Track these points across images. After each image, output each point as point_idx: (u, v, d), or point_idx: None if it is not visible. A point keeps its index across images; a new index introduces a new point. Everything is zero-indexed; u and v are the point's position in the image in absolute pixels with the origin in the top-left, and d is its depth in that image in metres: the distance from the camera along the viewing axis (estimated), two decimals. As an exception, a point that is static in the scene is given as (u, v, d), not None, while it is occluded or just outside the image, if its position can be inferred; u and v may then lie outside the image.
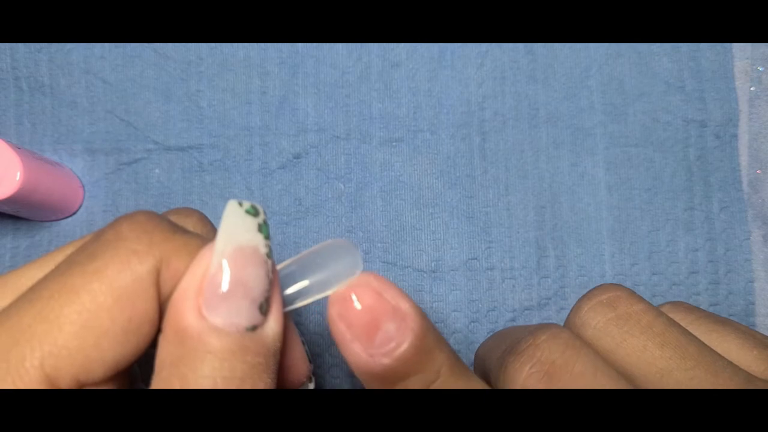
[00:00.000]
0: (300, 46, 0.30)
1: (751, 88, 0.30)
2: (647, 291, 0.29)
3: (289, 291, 0.16)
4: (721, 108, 0.30)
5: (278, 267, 0.17)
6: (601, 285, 0.19)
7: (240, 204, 0.15)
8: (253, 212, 0.15)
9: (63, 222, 0.30)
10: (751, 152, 0.30)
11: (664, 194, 0.29)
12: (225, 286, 0.14)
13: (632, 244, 0.29)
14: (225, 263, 0.14)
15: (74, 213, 0.30)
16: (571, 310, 0.19)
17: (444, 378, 0.16)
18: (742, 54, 0.30)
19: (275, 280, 0.15)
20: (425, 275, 0.29)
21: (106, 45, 0.30)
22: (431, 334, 0.16)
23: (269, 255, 0.15)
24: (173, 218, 0.17)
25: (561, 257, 0.29)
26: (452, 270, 0.29)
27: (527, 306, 0.29)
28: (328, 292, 0.16)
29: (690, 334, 0.17)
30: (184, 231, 0.16)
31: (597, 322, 0.18)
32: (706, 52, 0.30)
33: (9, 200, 0.25)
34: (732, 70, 0.30)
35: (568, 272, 0.29)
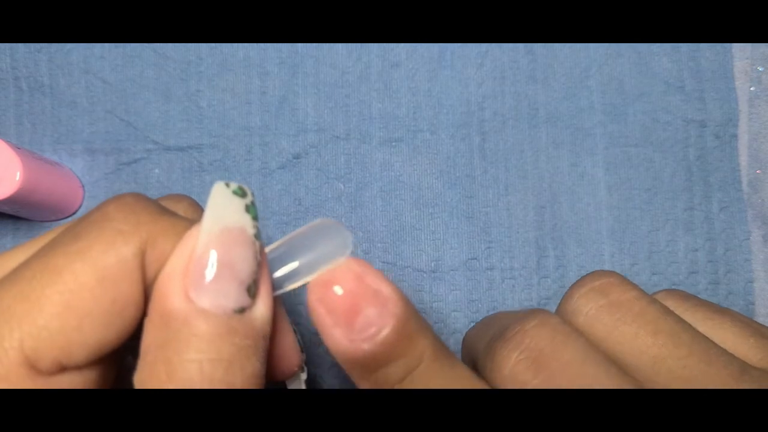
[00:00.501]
0: (300, 46, 0.30)
1: (751, 88, 0.30)
2: (648, 291, 0.29)
3: (278, 274, 0.16)
4: (721, 108, 0.30)
5: (266, 249, 0.16)
6: (594, 272, 0.18)
7: (227, 185, 0.15)
8: (241, 193, 0.15)
9: (63, 222, 0.30)
10: (750, 152, 0.30)
11: (663, 194, 0.29)
12: (212, 268, 0.14)
13: (632, 244, 0.29)
14: (212, 244, 0.14)
15: (74, 213, 0.30)
16: (564, 297, 0.18)
17: (427, 363, 0.15)
18: (742, 54, 0.30)
19: (263, 262, 0.15)
20: (425, 275, 0.29)
21: (106, 45, 0.30)
22: (413, 319, 0.15)
23: (257, 236, 0.15)
24: (163, 204, 0.17)
25: (561, 257, 0.29)
26: (452, 270, 0.29)
27: (527, 306, 0.29)
28: (318, 274, 0.16)
29: (684, 321, 0.17)
30: (171, 213, 0.15)
31: (589, 309, 0.17)
32: (706, 52, 0.30)
33: (9, 200, 0.25)
34: (732, 70, 0.30)
35: (568, 272, 0.29)
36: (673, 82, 0.30)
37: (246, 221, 0.15)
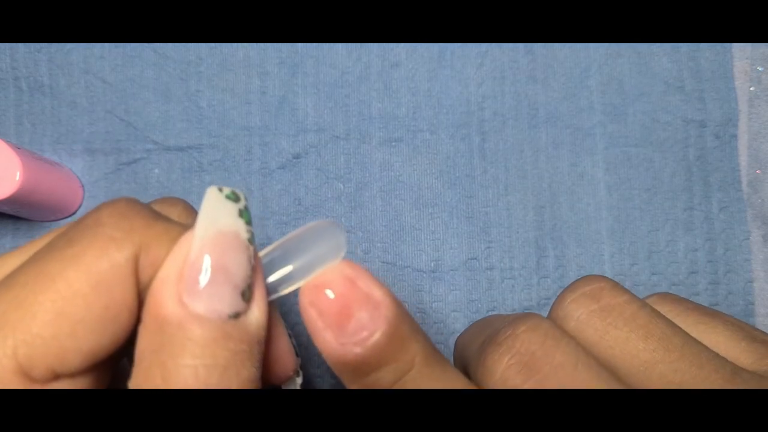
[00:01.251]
0: (300, 46, 0.30)
1: (751, 88, 0.30)
2: (647, 291, 0.29)
3: (273, 278, 0.16)
4: (721, 108, 0.30)
5: (260, 253, 0.16)
6: (585, 277, 0.18)
7: (220, 190, 0.15)
8: (234, 198, 0.15)
9: (63, 222, 0.30)
10: (750, 152, 0.30)
11: (663, 194, 0.29)
12: (206, 272, 0.14)
13: (632, 244, 0.29)
14: (206, 249, 0.14)
15: (74, 213, 0.30)
16: (555, 302, 0.18)
17: (418, 368, 0.15)
18: (742, 54, 0.30)
19: (258, 267, 0.15)
20: (425, 275, 0.29)
21: (106, 45, 0.30)
22: (405, 322, 0.15)
23: (251, 240, 0.15)
24: (158, 207, 0.17)
25: (560, 257, 0.29)
26: (452, 270, 0.29)
27: (527, 306, 0.29)
28: (312, 276, 0.16)
29: (675, 325, 0.17)
30: (165, 219, 0.16)
31: (580, 314, 0.17)
32: (706, 52, 0.30)
33: (9, 200, 0.25)
34: (731, 70, 0.30)
35: (568, 272, 0.29)
36: (673, 82, 0.30)
37: (239, 225, 0.15)
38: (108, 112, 0.30)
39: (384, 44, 0.30)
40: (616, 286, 0.18)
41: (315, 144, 0.30)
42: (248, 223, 0.15)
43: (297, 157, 0.30)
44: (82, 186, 0.30)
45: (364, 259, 0.29)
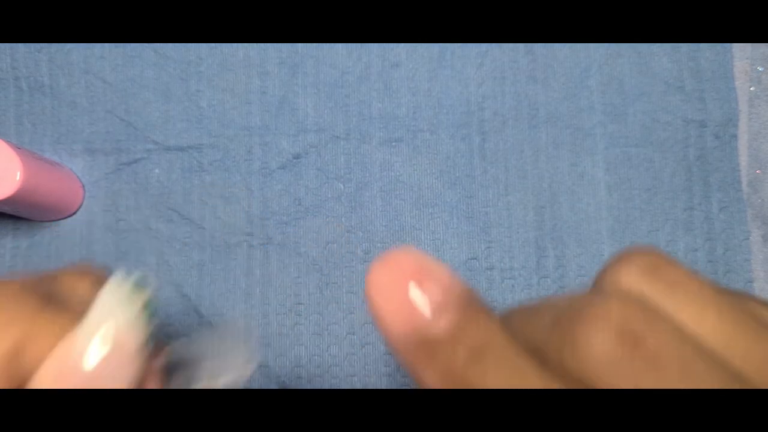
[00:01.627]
0: (300, 46, 0.30)
1: (751, 88, 0.30)
2: (647, 291, 0.29)
3: (178, 380, 0.16)
4: (721, 108, 0.30)
5: (170, 346, 0.16)
6: (632, 247, 0.15)
7: (123, 281, 0.15)
8: (135, 292, 0.15)
9: (63, 222, 0.30)
10: (750, 152, 0.30)
11: (663, 194, 0.30)
12: (83, 381, 0.14)
13: (632, 244, 0.29)
14: (87, 356, 0.14)
15: (74, 213, 0.30)
16: (605, 275, 0.16)
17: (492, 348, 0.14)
18: (742, 54, 0.30)
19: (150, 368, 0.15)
20: (425, 275, 0.29)
21: (106, 45, 0.30)
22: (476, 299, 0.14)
23: (145, 343, 0.15)
24: (66, 279, 0.17)
25: (560, 257, 0.29)
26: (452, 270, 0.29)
27: (527, 306, 0.29)
28: (220, 382, 0.16)
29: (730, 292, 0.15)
30: (55, 305, 0.15)
31: (640, 292, 0.15)
32: (706, 52, 0.30)
33: (9, 200, 0.25)
34: (732, 70, 0.30)
35: (568, 272, 0.29)
36: (673, 82, 0.30)
37: (129, 335, 0.14)
38: (108, 112, 0.30)
39: (384, 44, 0.30)
40: (669, 256, 0.16)
41: (315, 144, 0.30)
42: (148, 318, 0.15)
43: (297, 157, 0.30)
44: (83, 186, 0.30)
45: (364, 259, 0.29)
